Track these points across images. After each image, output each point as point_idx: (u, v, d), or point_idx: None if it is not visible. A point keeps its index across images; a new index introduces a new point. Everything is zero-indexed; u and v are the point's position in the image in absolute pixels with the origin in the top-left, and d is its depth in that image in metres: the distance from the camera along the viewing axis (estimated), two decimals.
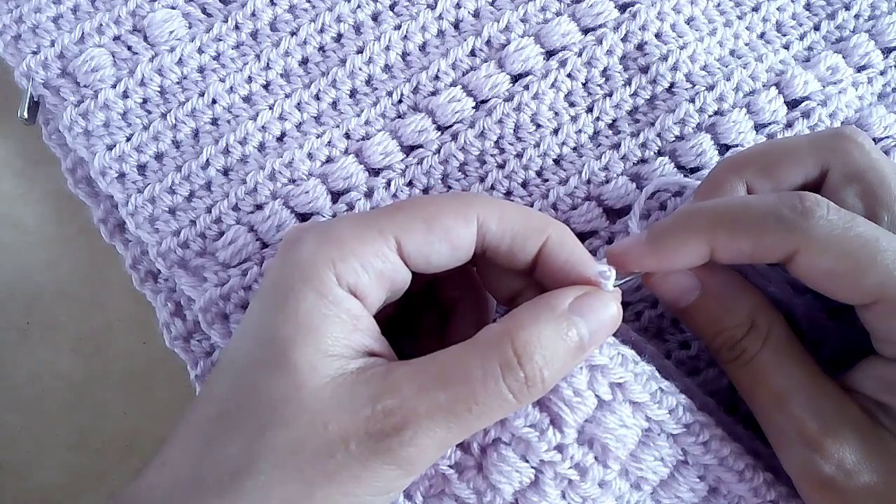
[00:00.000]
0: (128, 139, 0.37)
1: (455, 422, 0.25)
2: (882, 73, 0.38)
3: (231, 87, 0.37)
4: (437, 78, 0.37)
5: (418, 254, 0.26)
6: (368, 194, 0.36)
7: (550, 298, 0.26)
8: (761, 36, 0.38)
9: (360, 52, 0.38)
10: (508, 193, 0.36)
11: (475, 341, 0.26)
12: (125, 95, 0.37)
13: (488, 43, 0.38)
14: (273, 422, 0.24)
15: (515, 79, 0.37)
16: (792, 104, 0.37)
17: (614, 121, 0.37)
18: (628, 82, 0.37)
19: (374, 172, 0.37)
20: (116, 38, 0.38)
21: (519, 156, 0.37)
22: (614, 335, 0.29)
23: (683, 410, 0.29)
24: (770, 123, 0.36)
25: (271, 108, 0.37)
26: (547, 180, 0.37)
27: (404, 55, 0.38)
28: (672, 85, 0.37)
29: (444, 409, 0.24)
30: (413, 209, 0.26)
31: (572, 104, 0.37)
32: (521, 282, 0.30)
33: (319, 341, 0.25)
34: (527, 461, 0.28)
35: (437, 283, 0.32)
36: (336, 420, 0.24)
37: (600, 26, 0.37)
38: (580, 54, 0.37)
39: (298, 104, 0.37)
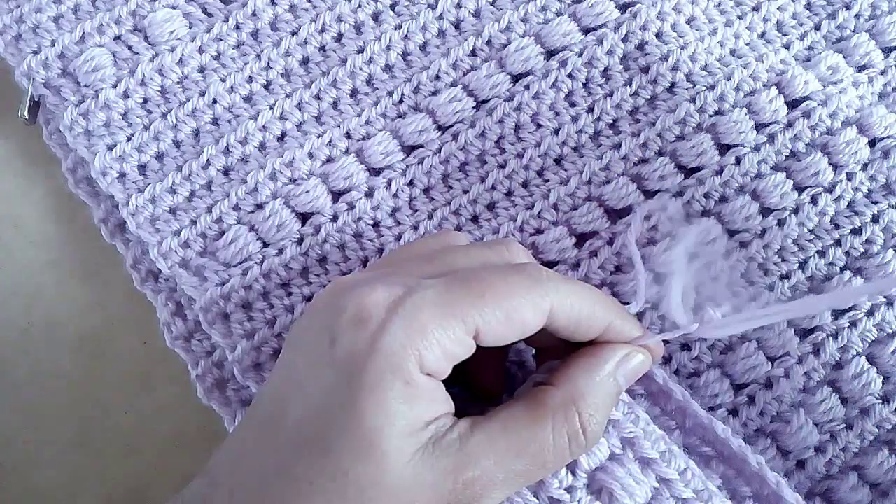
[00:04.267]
0: (128, 139, 0.37)
1: (524, 483, 0.27)
2: (883, 72, 0.38)
3: (232, 87, 0.37)
4: (437, 78, 0.37)
5: (491, 339, 0.27)
6: (369, 194, 0.36)
7: (603, 363, 0.29)
8: (762, 35, 0.38)
9: (360, 51, 0.38)
10: (509, 193, 0.36)
11: (540, 410, 0.28)
12: (126, 95, 0.37)
13: (489, 43, 0.38)
14: None
15: (516, 79, 0.37)
16: (792, 104, 0.37)
17: (615, 121, 0.37)
18: (629, 82, 0.37)
19: (375, 172, 0.37)
20: (117, 38, 0.38)
21: (519, 156, 0.37)
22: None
23: (693, 475, 0.29)
24: (770, 123, 0.36)
25: (272, 107, 0.37)
26: (548, 180, 0.37)
27: (405, 55, 0.38)
28: (672, 85, 0.37)
29: (519, 476, 0.27)
30: (496, 299, 0.27)
31: (573, 104, 0.37)
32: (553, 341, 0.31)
33: (405, 426, 0.26)
34: (537, 497, 0.28)
35: None
36: (421, 497, 0.26)
37: (601, 26, 0.37)
38: (581, 54, 0.37)
39: (299, 104, 0.37)
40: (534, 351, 0.33)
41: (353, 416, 0.25)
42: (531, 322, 0.27)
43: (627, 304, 0.32)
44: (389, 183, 0.36)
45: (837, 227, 0.36)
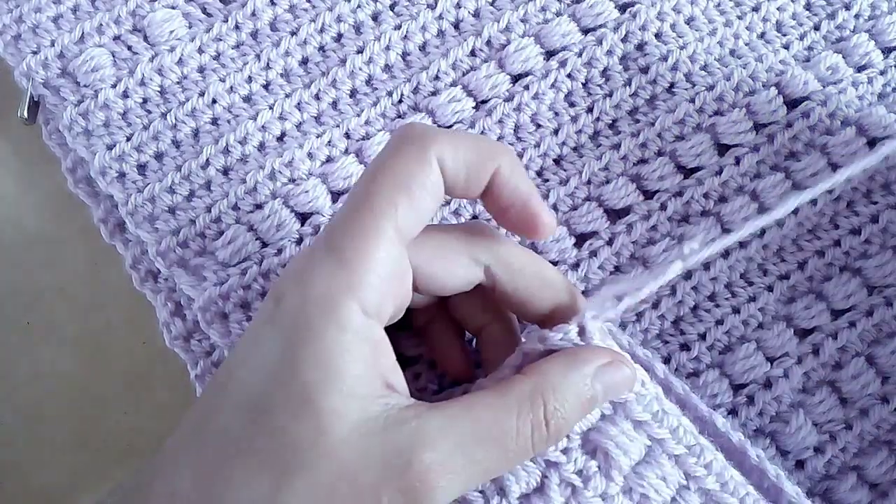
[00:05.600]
0: (128, 139, 0.37)
1: (485, 476, 0.26)
2: (882, 72, 0.38)
3: (231, 87, 0.37)
4: (437, 78, 0.37)
5: (412, 224, 0.27)
6: None
7: (581, 364, 0.28)
8: (761, 36, 0.38)
9: (360, 51, 0.38)
10: None
11: (507, 396, 0.27)
12: (125, 95, 0.37)
13: (488, 43, 0.38)
14: (300, 467, 0.24)
15: (515, 79, 0.37)
16: (792, 104, 0.37)
17: (614, 121, 0.37)
18: (628, 82, 0.37)
19: None
20: (116, 38, 0.38)
21: (519, 156, 0.37)
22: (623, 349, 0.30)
23: (685, 432, 0.29)
24: (770, 123, 0.36)
25: (271, 107, 0.37)
26: (547, 180, 0.37)
27: (404, 55, 0.38)
28: (672, 85, 0.37)
29: (478, 465, 0.25)
30: (389, 184, 0.27)
31: (572, 104, 0.37)
32: (488, 317, 0.31)
33: (343, 383, 0.25)
34: (534, 462, 0.28)
35: (457, 308, 0.32)
36: (366, 472, 0.24)
37: (600, 26, 0.37)
38: (580, 54, 0.37)
39: (298, 104, 0.37)
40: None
41: (288, 370, 0.25)
42: (430, 179, 0.27)
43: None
44: None
45: (836, 227, 0.36)
